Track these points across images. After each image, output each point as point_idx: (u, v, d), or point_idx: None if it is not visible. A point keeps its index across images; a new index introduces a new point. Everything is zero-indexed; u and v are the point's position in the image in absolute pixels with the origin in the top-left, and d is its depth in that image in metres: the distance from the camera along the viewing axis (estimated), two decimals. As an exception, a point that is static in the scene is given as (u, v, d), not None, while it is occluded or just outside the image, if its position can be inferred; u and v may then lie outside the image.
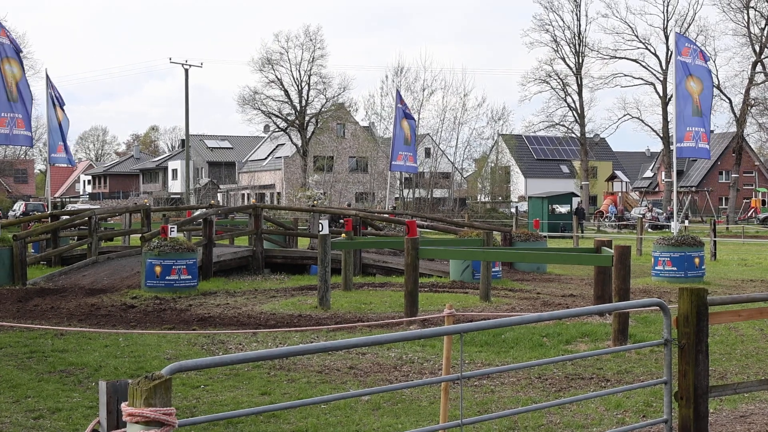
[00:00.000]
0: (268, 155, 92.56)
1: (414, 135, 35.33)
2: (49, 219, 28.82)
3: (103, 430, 4.37)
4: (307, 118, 76.63)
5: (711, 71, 25.13)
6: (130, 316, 16.73)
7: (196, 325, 15.39)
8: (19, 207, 68.92)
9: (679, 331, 6.99)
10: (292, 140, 78.53)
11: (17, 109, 23.29)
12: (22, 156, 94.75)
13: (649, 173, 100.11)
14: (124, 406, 4.17)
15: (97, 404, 9.25)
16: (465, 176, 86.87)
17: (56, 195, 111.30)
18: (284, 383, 10.63)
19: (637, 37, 71.44)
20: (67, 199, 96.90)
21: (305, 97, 76.04)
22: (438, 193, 76.35)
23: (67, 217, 29.56)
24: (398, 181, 70.93)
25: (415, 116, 60.94)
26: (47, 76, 30.98)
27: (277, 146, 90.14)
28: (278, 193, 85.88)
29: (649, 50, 71.76)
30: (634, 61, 72.05)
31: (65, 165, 32.79)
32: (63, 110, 30.84)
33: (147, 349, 12.79)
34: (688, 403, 6.94)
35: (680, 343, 6.99)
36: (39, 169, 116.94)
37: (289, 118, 76.88)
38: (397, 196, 71.39)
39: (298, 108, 76.01)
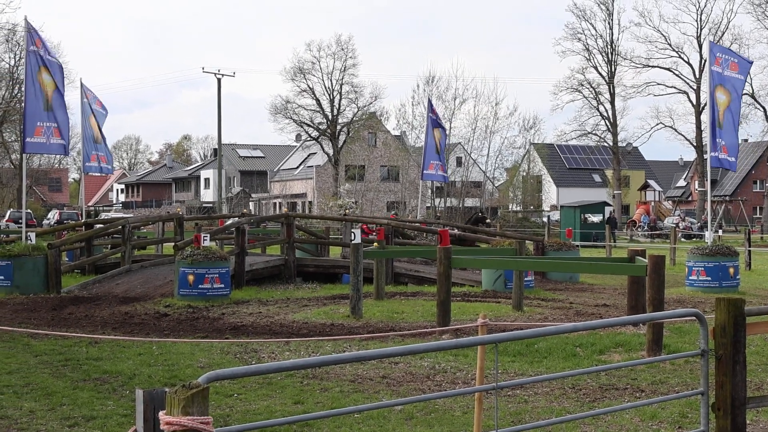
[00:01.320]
0: (300, 164, 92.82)
1: (444, 144, 35.29)
2: (83, 228, 29.04)
3: (140, 439, 4.38)
4: (338, 127, 76.78)
5: (744, 80, 24.87)
6: (164, 324, 16.80)
7: (229, 334, 15.43)
8: (53, 216, 69.51)
9: (716, 341, 6.92)
10: (323, 149, 78.69)
11: (53, 118, 23.51)
12: (56, 165, 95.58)
13: (682, 182, 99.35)
14: (161, 414, 4.19)
15: (131, 412, 9.30)
16: (496, 185, 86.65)
17: (90, 204, 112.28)
18: (317, 392, 10.63)
19: (670, 45, 71.02)
20: (101, 208, 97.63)
21: (337, 106, 76.20)
22: (469, 202, 76.19)
23: (101, 225, 29.78)
24: (429, 190, 70.84)
25: (447, 125, 61.01)
26: (82, 85, 31.28)
27: (308, 155, 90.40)
28: (310, 202, 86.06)
29: (683, 59, 71.30)
30: (667, 69, 71.61)
31: (98, 174, 33.06)
32: (96, 119, 31.07)
33: (180, 358, 12.84)
34: (725, 415, 6.88)
35: (717, 354, 6.92)
36: (73, 178, 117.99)
37: (320, 127, 77.06)
38: (429, 205, 71.31)
39: (330, 117, 76.18)
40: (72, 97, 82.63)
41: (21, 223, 27.68)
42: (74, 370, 11.95)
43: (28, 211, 52.65)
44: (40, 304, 19.61)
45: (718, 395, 6.94)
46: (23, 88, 25.96)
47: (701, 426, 6.89)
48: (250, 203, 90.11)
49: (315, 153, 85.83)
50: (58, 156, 78.61)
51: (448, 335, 14.53)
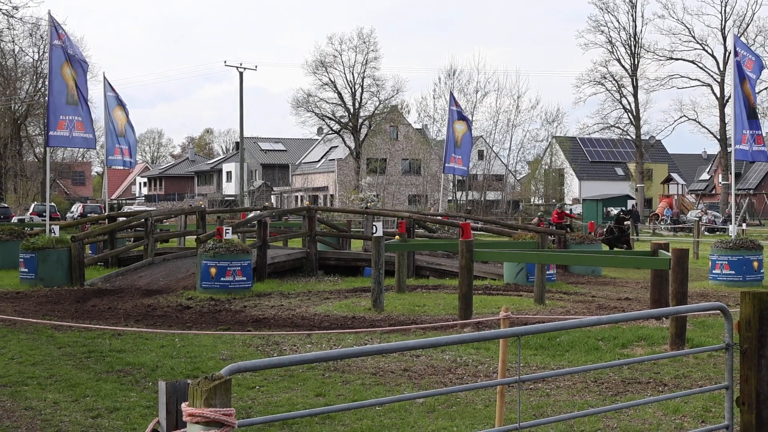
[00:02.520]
0: (322, 157, 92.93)
1: (469, 138, 35.21)
2: (107, 221, 29.20)
3: (163, 430, 4.39)
4: (360, 121, 76.82)
5: (756, 80, 24.77)
6: (186, 316, 16.86)
7: (251, 327, 15.47)
8: (76, 209, 69.87)
9: (741, 335, 6.88)
10: (345, 142, 78.77)
11: (77, 111, 23.61)
12: (80, 158, 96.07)
13: (705, 176, 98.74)
14: (184, 406, 4.20)
15: (154, 404, 9.34)
16: (518, 178, 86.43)
17: (113, 197, 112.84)
18: (339, 385, 10.64)
19: (694, 38, 70.60)
20: (124, 201, 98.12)
21: (358, 99, 76.26)
22: (491, 195, 76.06)
23: (124, 218, 29.93)
24: (451, 183, 70.75)
25: (469, 118, 60.80)
26: (105, 79, 31.42)
27: (330, 148, 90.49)
28: (331, 195, 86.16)
29: (707, 51, 70.87)
30: (691, 62, 71.22)
31: (121, 167, 33.20)
32: (126, 113, 31.20)
33: (203, 350, 12.89)
34: (750, 409, 6.83)
35: (742, 348, 6.88)
36: (96, 172, 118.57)
37: (342, 120, 77.15)
38: (450, 198, 71.23)
39: (352, 110, 76.24)
40: (95, 92, 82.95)
41: (45, 217, 27.84)
42: (97, 362, 12.01)
43: (52, 204, 52.97)
44: (63, 297, 19.74)
45: (742, 389, 6.89)
46: (47, 82, 26.09)
47: (725, 420, 6.84)
48: (272, 196, 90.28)
49: (336, 146, 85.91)
50: (81, 150, 79.17)
51: (469, 328, 14.51)
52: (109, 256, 26.89)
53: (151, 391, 10.06)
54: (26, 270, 22.19)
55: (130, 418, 9.09)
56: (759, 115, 23.18)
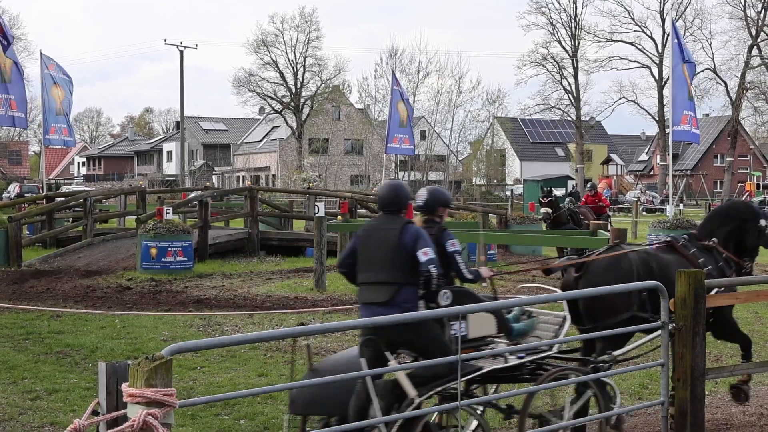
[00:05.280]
0: (264, 137, 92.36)
1: (411, 117, 35.24)
2: (44, 201, 28.76)
3: (103, 411, 4.37)
4: (302, 101, 76.41)
5: (694, 65, 25.29)
6: (126, 297, 16.73)
7: (192, 307, 15.40)
8: (13, 189, 68.67)
9: (677, 313, 7.02)
10: (287, 122, 78.35)
11: (11, 90, 23.21)
12: (16, 138, 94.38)
13: (644, 156, 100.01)
14: (124, 386, 4.18)
15: (94, 385, 9.27)
16: (460, 159, 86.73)
17: (51, 177, 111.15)
18: (281, 365, 10.65)
19: (633, 20, 71.21)
20: (62, 181, 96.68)
21: (300, 79, 75.81)
22: (433, 175, 76.23)
23: (62, 198, 29.51)
24: (393, 164, 70.80)
25: (410, 99, 60.81)
26: (42, 56, 30.83)
27: (272, 128, 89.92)
28: (273, 176, 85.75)
29: (645, 33, 71.54)
30: (630, 44, 71.84)
31: (60, 147, 32.69)
32: (69, 90, 30.65)
33: (143, 331, 12.80)
34: (684, 385, 6.98)
35: (677, 326, 7.01)
36: (33, 151, 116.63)
37: (284, 100, 76.67)
38: (393, 178, 71.27)
39: (294, 90, 75.79)
40: (31, 70, 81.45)
41: (-20, 196, 27.34)
42: (36, 344, 11.88)
43: (-12, 184, 52.02)
44: (0, 278, 19.44)
45: (677, 366, 7.04)
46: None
47: (661, 397, 6.99)
48: (213, 176, 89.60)
49: (278, 126, 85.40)
50: (17, 129, 77.72)
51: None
52: (47, 237, 26.50)
53: (90, 373, 9.98)
54: (-38, 251, 21.80)
55: (70, 399, 9.01)
56: (695, 98, 23.50)
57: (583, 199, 25.73)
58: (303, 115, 76.65)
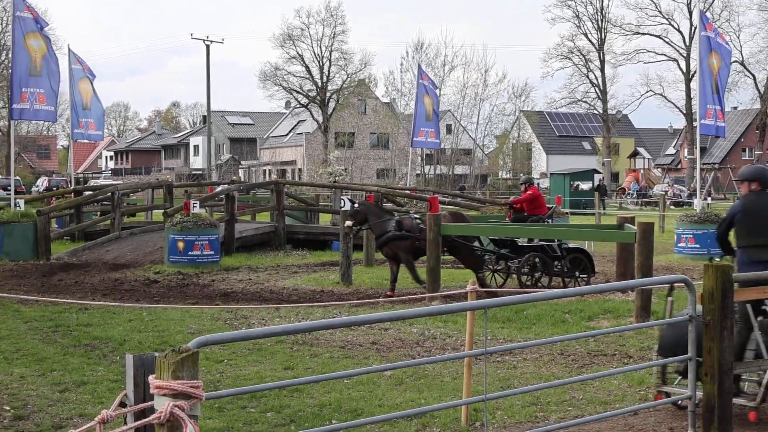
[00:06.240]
0: (290, 131, 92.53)
1: (437, 110, 35.17)
2: (72, 194, 28.95)
3: (130, 403, 4.40)
4: (328, 94, 76.46)
5: (730, 51, 25.01)
6: (154, 290, 16.82)
7: (219, 300, 15.46)
8: (42, 183, 69.14)
9: (704, 307, 6.97)
10: (313, 116, 78.44)
11: (40, 84, 23.36)
12: (45, 132, 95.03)
13: (671, 150, 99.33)
14: (151, 378, 4.20)
15: (121, 378, 9.31)
16: (486, 153, 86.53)
17: (79, 171, 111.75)
18: (307, 358, 10.68)
19: (660, 12, 70.73)
20: (90, 175, 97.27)
21: (326, 73, 75.86)
22: (459, 169, 76.08)
23: (90, 192, 29.69)
24: (419, 158, 70.72)
25: (436, 92, 60.71)
26: (70, 52, 31.02)
27: (298, 122, 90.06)
28: (299, 170, 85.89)
29: (673, 26, 71.03)
30: (658, 36, 71.35)
31: (87, 141, 32.89)
32: (92, 86, 30.83)
33: (170, 324, 12.87)
34: (712, 380, 6.93)
35: (705, 320, 6.97)
36: (62, 145, 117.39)
37: (310, 94, 76.74)
38: (419, 172, 71.21)
39: (320, 84, 75.85)
40: (60, 65, 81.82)
41: (9, 190, 27.57)
42: (64, 337, 11.96)
43: (17, 178, 52.38)
44: (29, 271, 19.59)
45: (705, 361, 6.99)
46: (10, 55, 25.74)
47: (689, 391, 6.95)
48: (240, 170, 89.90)
49: (305, 120, 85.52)
50: (46, 123, 78.27)
51: (437, 301, 14.57)
52: (75, 231, 26.70)
53: (118, 365, 10.04)
54: (-9, 244, 21.98)
55: (98, 392, 9.07)
56: (721, 91, 23.32)
57: (513, 198, 23.00)
58: (329, 109, 76.71)
